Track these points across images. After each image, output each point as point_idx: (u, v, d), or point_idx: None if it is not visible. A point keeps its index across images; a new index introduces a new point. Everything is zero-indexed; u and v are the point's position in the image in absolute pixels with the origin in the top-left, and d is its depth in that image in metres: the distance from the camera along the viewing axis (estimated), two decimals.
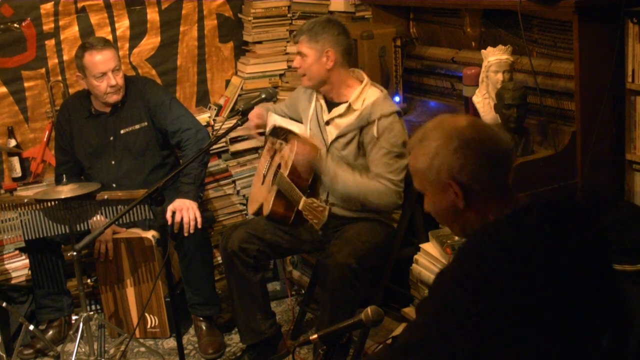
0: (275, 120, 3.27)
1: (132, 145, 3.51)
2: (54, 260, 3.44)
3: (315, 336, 2.07)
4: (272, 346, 3.23)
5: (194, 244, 3.33)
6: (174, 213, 3.23)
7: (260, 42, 4.23)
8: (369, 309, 2.03)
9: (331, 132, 3.05)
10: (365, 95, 3.00)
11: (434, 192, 1.68)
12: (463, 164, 1.61)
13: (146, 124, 3.51)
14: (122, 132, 3.51)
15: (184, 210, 3.23)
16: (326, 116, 3.06)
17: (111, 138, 3.52)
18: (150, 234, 3.47)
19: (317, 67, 2.98)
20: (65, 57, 3.89)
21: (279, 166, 3.15)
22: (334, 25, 2.99)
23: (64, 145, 3.60)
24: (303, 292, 3.73)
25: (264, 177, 3.27)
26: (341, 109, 3.02)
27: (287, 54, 4.25)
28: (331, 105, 3.08)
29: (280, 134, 3.20)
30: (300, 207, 2.61)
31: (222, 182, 4.20)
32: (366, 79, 3.06)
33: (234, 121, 2.87)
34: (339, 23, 3.03)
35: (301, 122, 3.22)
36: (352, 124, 2.97)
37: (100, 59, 3.36)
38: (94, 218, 3.17)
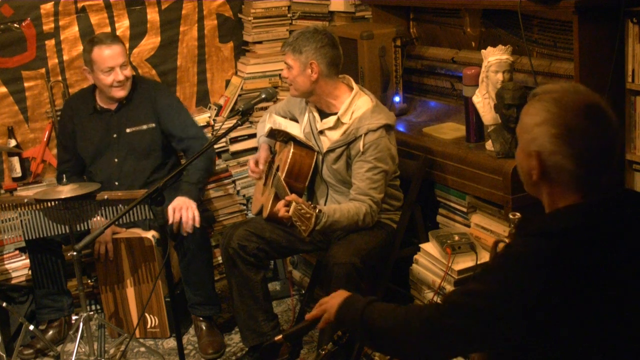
0: (274, 122, 3.27)
1: (136, 145, 3.51)
2: (54, 260, 3.44)
3: (280, 337, 2.09)
4: (274, 349, 3.23)
5: (193, 244, 3.33)
6: (174, 211, 3.23)
7: (260, 42, 4.24)
8: None
9: (325, 141, 3.06)
10: (354, 107, 3.00)
11: (522, 149, 1.72)
12: (554, 151, 1.62)
13: (153, 125, 3.51)
14: (127, 130, 3.50)
15: (183, 209, 3.23)
16: (319, 125, 3.07)
17: (114, 136, 3.53)
18: (150, 234, 3.47)
19: (302, 78, 2.99)
20: (65, 57, 3.89)
21: (277, 168, 3.15)
22: (319, 36, 2.98)
23: (66, 142, 3.61)
24: (303, 292, 3.73)
25: (266, 178, 3.27)
26: (330, 121, 3.03)
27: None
28: (323, 114, 3.09)
29: (278, 136, 3.20)
30: (290, 213, 2.61)
31: (222, 182, 4.21)
32: (355, 87, 3.06)
33: (234, 121, 2.87)
34: (326, 34, 3.01)
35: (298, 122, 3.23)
36: (339, 141, 2.99)
37: (108, 54, 3.37)
38: (95, 219, 3.17)
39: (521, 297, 1.55)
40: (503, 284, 1.59)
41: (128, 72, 3.45)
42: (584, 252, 1.57)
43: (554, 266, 1.55)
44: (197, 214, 3.25)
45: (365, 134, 2.91)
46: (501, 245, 2.15)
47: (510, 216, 2.23)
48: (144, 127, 3.51)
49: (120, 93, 3.45)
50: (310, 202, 2.67)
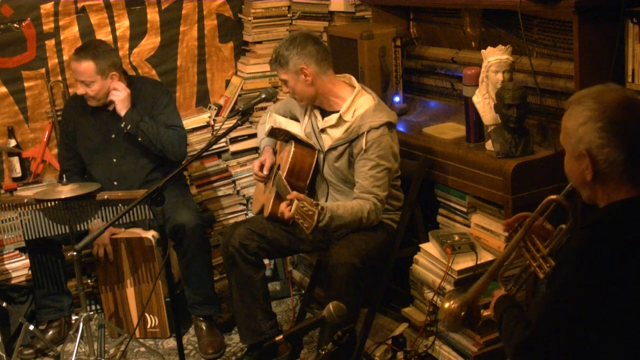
0: (274, 121, 3.27)
1: (135, 145, 3.50)
2: (54, 260, 3.44)
3: (280, 337, 2.09)
4: (273, 348, 3.23)
5: (193, 244, 3.33)
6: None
7: (260, 42, 4.24)
8: (330, 305, 2.05)
9: (326, 140, 3.06)
10: (356, 105, 3.00)
11: (570, 155, 1.76)
12: (603, 144, 1.67)
13: None
14: (126, 131, 3.50)
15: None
16: (321, 124, 3.07)
17: (113, 136, 3.53)
18: (150, 234, 3.47)
19: (301, 86, 3.00)
20: (65, 57, 3.89)
21: (278, 167, 3.15)
22: (297, 40, 2.98)
23: (68, 140, 3.62)
24: (303, 292, 3.73)
25: (267, 177, 3.27)
26: (332, 119, 3.03)
27: None
28: (325, 113, 3.09)
29: (279, 135, 3.20)
30: (292, 211, 2.61)
31: (222, 182, 4.20)
32: (357, 86, 3.06)
33: (234, 121, 2.87)
34: (302, 34, 3.01)
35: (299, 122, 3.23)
36: (341, 138, 2.99)
37: (74, 68, 3.43)
38: (94, 221, 3.16)
39: (580, 289, 1.60)
40: (568, 283, 1.64)
41: (92, 91, 3.42)
42: (634, 244, 1.60)
43: (605, 255, 1.59)
44: (124, 98, 3.41)
45: (368, 131, 2.91)
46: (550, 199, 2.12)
47: None
48: None
49: (90, 103, 3.48)
50: (312, 199, 2.66)
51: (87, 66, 3.39)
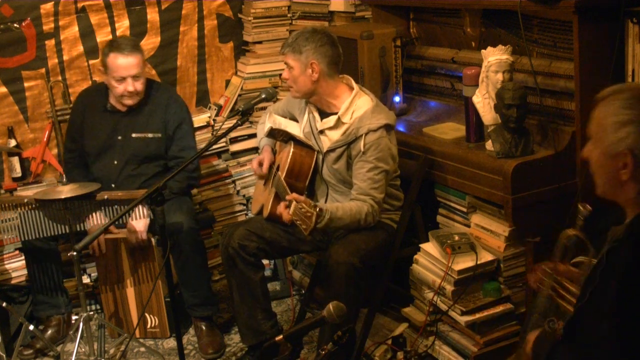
0: (273, 121, 3.27)
1: (139, 151, 3.50)
2: (49, 258, 3.43)
3: (280, 337, 2.09)
4: (273, 348, 3.23)
5: (187, 246, 3.33)
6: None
7: (260, 42, 4.24)
8: (330, 305, 2.06)
9: (325, 141, 3.06)
10: (355, 107, 3.00)
11: (602, 153, 1.72)
12: None
13: (159, 135, 3.51)
14: (133, 135, 3.49)
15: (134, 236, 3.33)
16: (319, 125, 3.07)
17: (119, 138, 3.51)
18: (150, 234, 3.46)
19: (303, 78, 2.99)
20: (65, 57, 3.89)
21: (277, 168, 3.15)
22: (318, 36, 2.98)
23: (74, 133, 3.60)
24: (303, 292, 3.73)
25: (266, 177, 3.27)
26: (331, 121, 3.03)
27: None
28: (323, 114, 3.09)
29: (278, 135, 3.20)
30: (290, 212, 2.61)
31: (222, 182, 4.21)
32: (356, 87, 3.06)
33: (234, 121, 2.88)
34: (325, 33, 3.02)
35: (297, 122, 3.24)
36: (340, 140, 2.99)
37: (123, 64, 3.35)
38: (90, 218, 3.15)
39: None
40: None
41: (140, 85, 3.40)
42: None
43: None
44: (144, 236, 3.37)
45: (366, 133, 2.91)
46: (568, 235, 2.09)
47: (580, 207, 2.14)
48: (150, 135, 3.50)
49: (129, 102, 3.44)
50: (311, 201, 2.66)
51: (137, 59, 3.37)
